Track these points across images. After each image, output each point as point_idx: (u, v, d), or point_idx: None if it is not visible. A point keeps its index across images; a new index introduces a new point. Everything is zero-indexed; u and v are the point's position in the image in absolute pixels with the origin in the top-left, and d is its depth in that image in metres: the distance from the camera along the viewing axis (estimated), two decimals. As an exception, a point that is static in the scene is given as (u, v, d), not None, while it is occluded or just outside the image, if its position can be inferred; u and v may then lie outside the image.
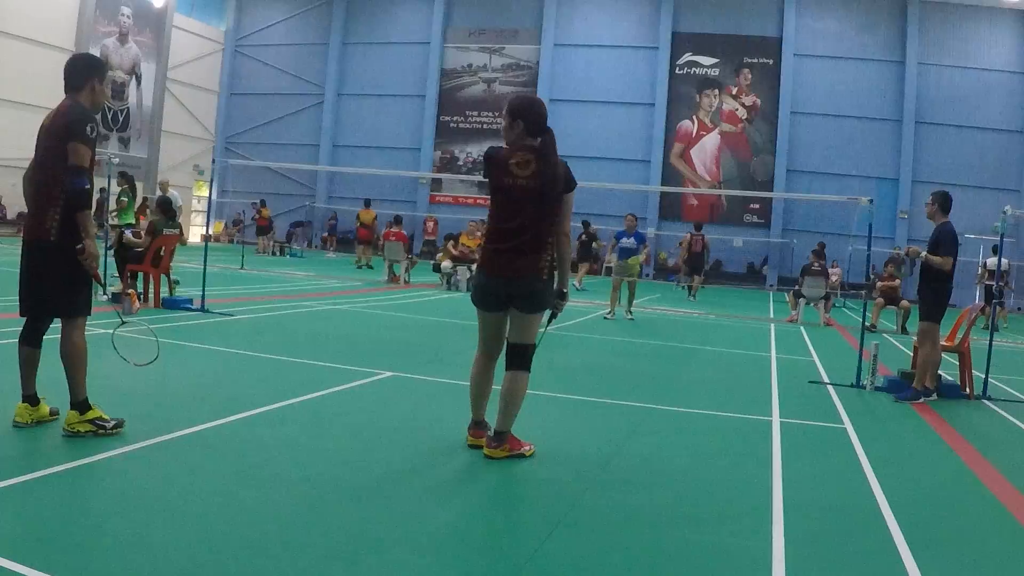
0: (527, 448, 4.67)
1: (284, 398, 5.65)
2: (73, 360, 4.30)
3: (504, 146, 4.63)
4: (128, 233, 11.06)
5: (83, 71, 4.50)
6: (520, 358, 4.62)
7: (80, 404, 4.27)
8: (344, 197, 32.90)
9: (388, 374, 6.92)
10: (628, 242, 13.92)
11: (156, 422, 4.65)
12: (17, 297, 4.46)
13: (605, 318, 13.32)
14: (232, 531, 3.28)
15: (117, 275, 10.64)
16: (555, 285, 4.62)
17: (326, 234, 31.78)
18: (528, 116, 4.53)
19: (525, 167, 4.46)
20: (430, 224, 29.68)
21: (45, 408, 4.51)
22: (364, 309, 12.44)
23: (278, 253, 28.04)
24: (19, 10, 25.85)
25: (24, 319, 4.48)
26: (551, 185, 4.44)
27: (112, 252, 10.84)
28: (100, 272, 4.56)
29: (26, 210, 4.61)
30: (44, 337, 4.47)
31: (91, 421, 4.26)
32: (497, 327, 4.67)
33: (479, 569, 3.11)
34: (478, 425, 4.78)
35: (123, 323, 4.91)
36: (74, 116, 4.31)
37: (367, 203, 24.43)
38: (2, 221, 26.36)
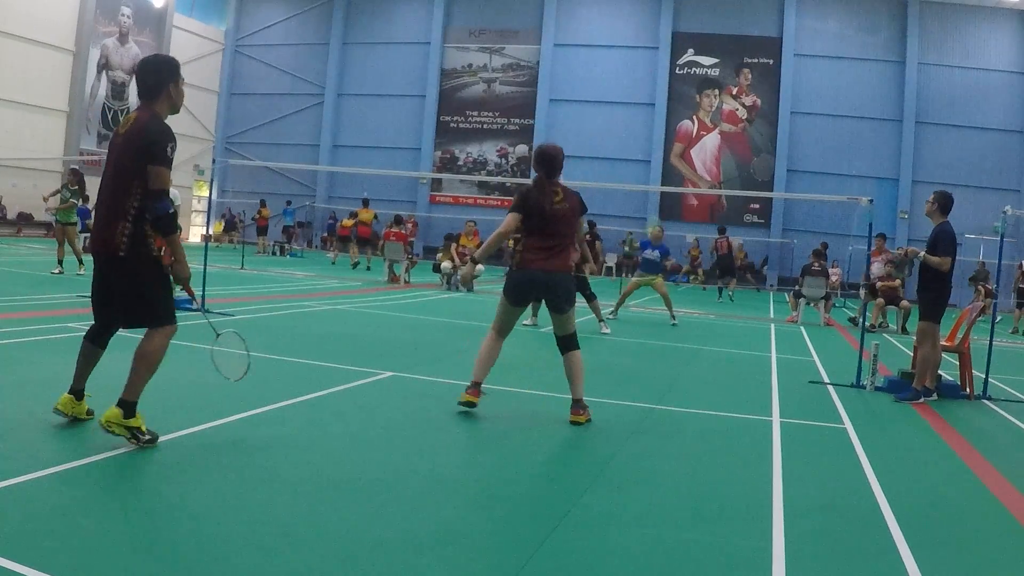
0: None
1: (284, 398, 5.65)
2: (144, 362, 4.17)
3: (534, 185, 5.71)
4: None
5: (158, 77, 4.31)
6: (569, 342, 5.68)
7: (128, 405, 4.13)
8: (344, 197, 32.88)
9: (388, 374, 6.92)
10: (652, 254, 13.95)
11: (156, 422, 4.65)
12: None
13: (608, 317, 13.30)
14: (232, 531, 3.28)
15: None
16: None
17: (326, 234, 31.69)
18: (553, 164, 5.68)
19: (559, 200, 5.63)
20: (409, 224, 29.13)
21: (85, 406, 4.51)
22: (364, 309, 12.44)
23: (278, 253, 28.01)
24: (19, 10, 25.86)
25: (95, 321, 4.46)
26: (577, 211, 5.74)
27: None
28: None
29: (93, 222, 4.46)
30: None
31: (130, 428, 4.12)
32: (517, 317, 5.82)
33: (479, 569, 3.11)
34: (477, 386, 5.64)
35: (218, 336, 4.79)
36: (154, 137, 4.15)
37: (366, 203, 24.31)
38: (2, 221, 26.37)
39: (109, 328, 4.47)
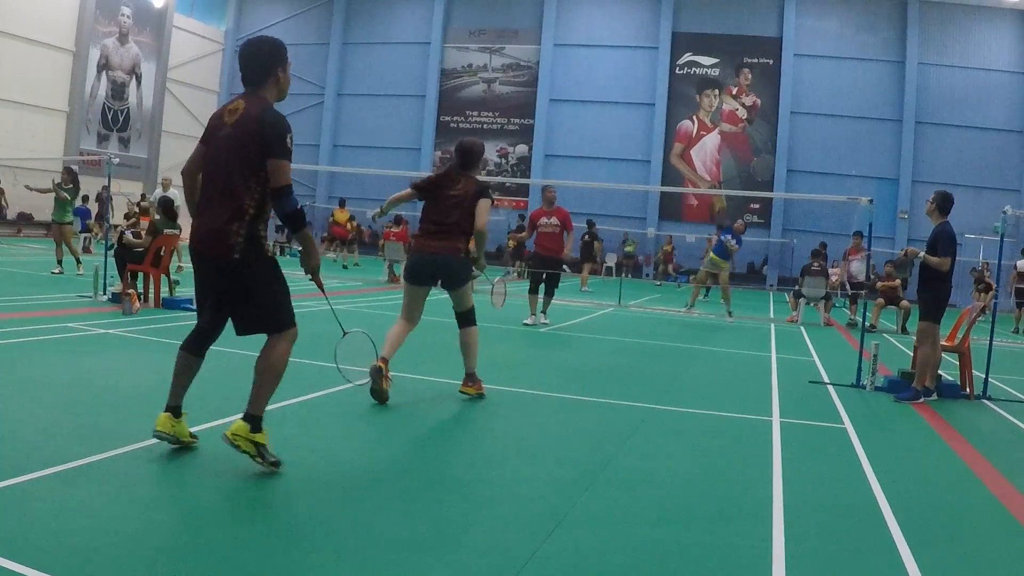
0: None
1: (284, 398, 5.64)
2: (268, 375, 3.96)
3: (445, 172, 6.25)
4: (128, 234, 11.07)
5: (265, 62, 3.95)
6: (467, 318, 6.16)
7: (254, 419, 3.91)
8: (344, 197, 32.84)
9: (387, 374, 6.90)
10: (726, 237, 14.61)
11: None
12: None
13: (685, 311, 14.18)
14: (232, 531, 3.28)
15: (117, 275, 10.65)
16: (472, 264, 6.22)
17: (326, 234, 31.65)
18: (469, 157, 6.21)
19: (459, 188, 6.09)
20: (403, 224, 28.80)
21: (186, 427, 4.18)
22: (364, 309, 12.44)
23: (278, 253, 28.00)
24: (19, 10, 25.86)
25: (197, 325, 4.19)
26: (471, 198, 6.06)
27: (112, 252, 10.85)
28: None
29: (193, 215, 4.07)
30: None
31: (256, 444, 3.89)
32: (419, 300, 6.21)
33: (479, 569, 3.11)
34: (386, 362, 5.84)
35: (345, 334, 4.95)
36: (272, 130, 3.82)
37: (342, 203, 24.69)
38: (2, 221, 26.36)
39: (214, 334, 4.19)
